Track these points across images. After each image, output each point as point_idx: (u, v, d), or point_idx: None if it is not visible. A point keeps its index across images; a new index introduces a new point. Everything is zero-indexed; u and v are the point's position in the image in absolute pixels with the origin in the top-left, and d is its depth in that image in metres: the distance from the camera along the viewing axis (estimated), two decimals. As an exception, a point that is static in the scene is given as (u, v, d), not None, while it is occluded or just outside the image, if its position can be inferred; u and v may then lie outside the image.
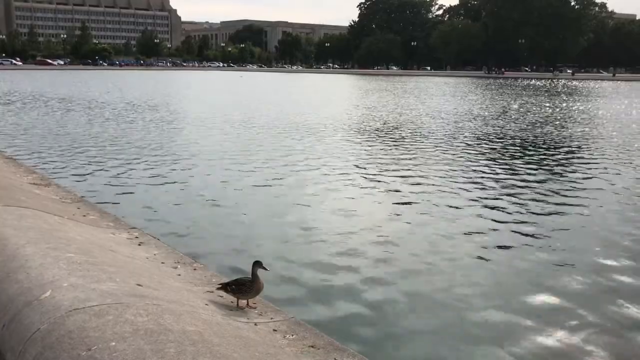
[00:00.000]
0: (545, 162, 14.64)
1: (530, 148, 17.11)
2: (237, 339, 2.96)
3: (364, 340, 4.95)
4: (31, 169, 9.44)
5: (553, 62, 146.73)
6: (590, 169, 13.74)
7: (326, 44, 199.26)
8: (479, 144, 17.79)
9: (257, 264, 3.69)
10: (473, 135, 19.86)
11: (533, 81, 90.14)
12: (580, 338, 5.10)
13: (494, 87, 66.65)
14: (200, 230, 8.12)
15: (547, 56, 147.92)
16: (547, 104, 37.29)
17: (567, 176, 12.75)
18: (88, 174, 12.04)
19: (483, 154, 15.82)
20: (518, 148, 17.07)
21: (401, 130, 21.06)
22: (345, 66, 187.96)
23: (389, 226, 8.55)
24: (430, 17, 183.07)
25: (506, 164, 14.16)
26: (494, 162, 14.38)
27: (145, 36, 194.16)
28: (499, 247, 7.65)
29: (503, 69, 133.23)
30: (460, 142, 17.96)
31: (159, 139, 17.97)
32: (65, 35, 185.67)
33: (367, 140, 18.37)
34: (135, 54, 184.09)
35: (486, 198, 10.42)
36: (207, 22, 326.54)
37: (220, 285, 3.78)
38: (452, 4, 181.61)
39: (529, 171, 13.22)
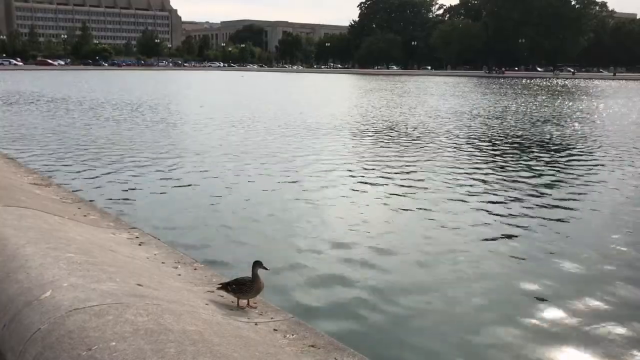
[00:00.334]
0: (549, 160, 14.64)
1: (534, 146, 17.09)
2: (237, 339, 2.96)
3: (364, 340, 4.94)
4: (32, 169, 9.44)
5: (553, 62, 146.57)
6: (592, 166, 13.74)
7: (326, 44, 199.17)
8: (480, 142, 17.78)
9: (257, 264, 3.69)
10: (473, 134, 19.85)
11: (534, 80, 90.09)
12: (583, 338, 5.10)
13: (495, 86, 66.61)
14: (200, 230, 8.12)
15: (547, 56, 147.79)
16: (555, 103, 37.28)
17: (570, 174, 12.74)
18: (89, 174, 12.04)
19: (484, 152, 15.82)
20: (521, 146, 17.06)
21: (401, 130, 21.05)
22: (346, 66, 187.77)
23: (391, 225, 8.55)
24: (431, 16, 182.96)
25: (510, 163, 14.15)
26: (496, 161, 14.38)
27: (146, 36, 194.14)
28: (501, 245, 7.65)
29: (503, 69, 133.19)
30: (461, 141, 17.95)
31: (159, 139, 17.98)
32: (65, 36, 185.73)
33: (367, 140, 18.36)
34: (136, 54, 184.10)
35: (487, 195, 10.42)
36: (207, 22, 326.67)
37: (220, 285, 3.77)
38: (453, 4, 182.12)
39: (534, 169, 13.22)
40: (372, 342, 4.95)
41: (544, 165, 13.97)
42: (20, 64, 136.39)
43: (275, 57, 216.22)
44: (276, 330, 3.35)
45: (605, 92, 56.18)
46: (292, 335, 3.29)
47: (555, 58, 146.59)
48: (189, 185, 11.21)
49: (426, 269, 6.78)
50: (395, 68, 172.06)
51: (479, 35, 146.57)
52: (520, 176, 12.53)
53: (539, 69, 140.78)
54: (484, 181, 11.92)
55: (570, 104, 37.91)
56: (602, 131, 21.65)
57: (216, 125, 22.22)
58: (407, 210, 9.48)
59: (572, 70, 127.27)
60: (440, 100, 40.29)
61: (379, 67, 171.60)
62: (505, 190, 11.03)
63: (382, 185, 11.43)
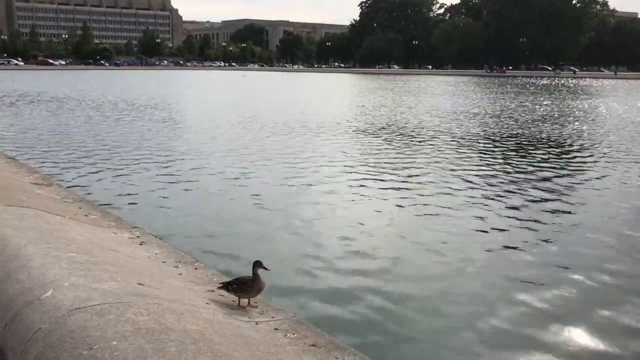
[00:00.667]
0: (554, 158, 14.63)
1: (535, 145, 17.08)
2: (238, 338, 2.96)
3: (365, 339, 4.94)
4: (33, 169, 9.44)
5: (554, 61, 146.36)
6: (594, 164, 13.74)
7: (327, 43, 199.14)
8: (482, 141, 17.78)
9: (258, 264, 3.68)
10: (473, 133, 19.84)
11: (535, 80, 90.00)
12: (586, 339, 5.10)
13: (495, 85, 66.57)
14: (201, 230, 8.12)
15: (548, 55, 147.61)
16: (566, 103, 37.27)
17: (572, 172, 12.74)
18: (89, 174, 12.05)
19: (487, 150, 15.81)
20: (523, 145, 17.05)
21: (402, 129, 21.04)
22: (347, 65, 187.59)
23: (392, 224, 8.54)
24: (432, 16, 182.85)
25: (514, 161, 14.15)
26: (497, 159, 14.38)
27: (147, 36, 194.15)
28: (503, 246, 7.64)
29: (504, 68, 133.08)
30: (462, 140, 17.94)
31: (160, 138, 17.99)
32: (66, 35, 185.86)
33: (368, 139, 18.35)
34: (137, 53, 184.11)
35: (487, 194, 10.42)
36: (208, 22, 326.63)
37: (221, 285, 3.78)
38: (453, 3, 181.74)
39: (536, 168, 13.21)
40: (373, 342, 4.95)
41: (548, 163, 13.96)
42: (21, 63, 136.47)
43: (276, 57, 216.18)
44: (277, 329, 3.35)
45: (607, 91, 56.12)
46: (293, 334, 3.29)
47: (556, 57, 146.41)
48: (190, 184, 11.21)
49: (428, 268, 6.77)
50: (396, 67, 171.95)
51: (480, 34, 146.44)
52: (523, 174, 12.52)
53: (548, 68, 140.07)
54: (487, 179, 11.91)
55: (573, 103, 37.88)
56: (603, 129, 21.64)
57: (217, 125, 22.23)
58: (409, 209, 9.47)
59: (574, 70, 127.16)
60: (441, 99, 40.27)
61: (380, 66, 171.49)
62: (509, 189, 11.03)
63: (383, 184, 11.42)
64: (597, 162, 14.51)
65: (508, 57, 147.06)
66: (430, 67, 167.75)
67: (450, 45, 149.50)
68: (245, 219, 8.72)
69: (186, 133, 19.73)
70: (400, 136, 19.22)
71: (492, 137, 19.14)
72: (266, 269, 3.69)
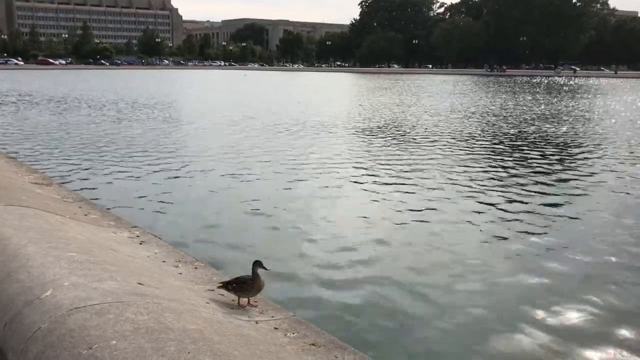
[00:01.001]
0: (554, 157, 14.64)
1: (535, 144, 17.08)
2: (238, 337, 2.96)
3: (365, 339, 4.95)
4: (32, 169, 9.44)
5: (554, 60, 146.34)
6: (595, 163, 13.74)
7: (327, 43, 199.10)
8: (480, 140, 17.78)
9: (257, 264, 3.68)
10: (473, 132, 19.84)
11: (535, 79, 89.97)
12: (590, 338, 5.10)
13: (496, 85, 66.55)
14: (201, 229, 8.13)
15: (548, 54, 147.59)
16: (554, 101, 37.26)
17: (572, 170, 12.75)
18: (89, 173, 12.06)
19: (486, 149, 15.81)
20: (522, 144, 17.05)
21: (401, 129, 21.04)
22: (347, 64, 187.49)
23: (392, 224, 8.55)
24: (432, 15, 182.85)
25: (513, 159, 14.15)
26: (496, 157, 14.38)
27: (147, 35, 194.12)
28: (506, 244, 7.65)
29: (504, 67, 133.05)
30: (462, 139, 17.95)
31: (160, 138, 17.99)
32: (66, 35, 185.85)
33: (368, 139, 18.36)
34: (137, 53, 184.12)
35: (486, 192, 10.42)
36: (208, 21, 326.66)
37: (221, 284, 3.77)
38: (454, 2, 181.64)
39: (537, 167, 13.22)
40: (373, 341, 4.95)
41: (549, 163, 13.96)
42: (21, 63, 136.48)
43: (276, 56, 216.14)
44: (277, 328, 3.35)
45: (606, 90, 56.12)
46: (293, 333, 3.29)
47: (557, 56, 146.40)
48: (190, 184, 11.22)
49: (429, 268, 6.77)
50: (396, 67, 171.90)
51: (480, 33, 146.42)
52: (523, 172, 12.52)
53: (551, 67, 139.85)
54: (486, 177, 11.92)
55: (572, 102, 37.89)
56: (602, 128, 21.64)
57: (218, 124, 22.24)
58: (409, 208, 9.47)
59: (574, 69, 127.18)
60: (440, 98, 40.27)
61: (380, 65, 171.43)
62: (508, 187, 11.03)
63: (384, 183, 11.43)
64: (589, 158, 14.51)
65: (508, 57, 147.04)
66: (430, 66, 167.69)
67: (450, 45, 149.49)
68: (246, 219, 8.72)
69: (186, 132, 19.73)
70: (400, 135, 19.21)
71: (490, 136, 19.14)
72: (266, 269, 3.69)
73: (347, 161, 13.96)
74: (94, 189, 10.50)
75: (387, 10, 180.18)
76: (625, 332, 5.16)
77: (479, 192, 10.74)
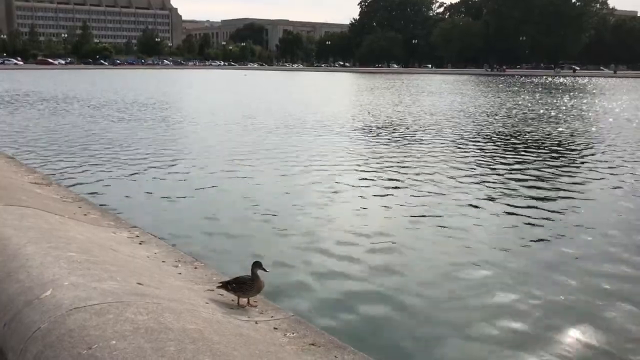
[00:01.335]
0: (556, 157, 14.65)
1: (535, 144, 17.09)
2: (237, 337, 2.96)
3: (365, 338, 4.95)
4: (32, 168, 9.45)
5: (554, 60, 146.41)
6: (595, 162, 13.75)
7: (327, 42, 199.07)
8: (477, 139, 17.78)
9: (257, 265, 3.68)
10: (471, 131, 19.85)
11: (534, 79, 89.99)
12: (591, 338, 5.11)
13: (494, 84, 66.56)
14: (201, 229, 8.12)
15: (548, 54, 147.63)
16: (552, 101, 37.28)
17: (571, 169, 12.76)
18: (89, 173, 12.05)
19: (483, 149, 15.82)
20: (521, 144, 17.05)
21: (401, 128, 21.05)
22: (347, 64, 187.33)
23: (391, 224, 8.54)
24: (431, 14, 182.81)
25: (510, 159, 14.16)
26: (494, 157, 14.39)
27: (146, 35, 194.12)
28: (504, 243, 7.65)
29: (504, 67, 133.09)
30: (461, 139, 17.96)
31: (160, 138, 17.99)
32: (66, 35, 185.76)
33: (368, 139, 18.36)
34: (136, 53, 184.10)
35: (484, 189, 10.43)
36: (207, 21, 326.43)
37: (220, 284, 3.78)
38: (453, 2, 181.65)
39: (536, 166, 13.23)
40: (373, 340, 4.95)
41: (551, 163, 13.97)
42: (21, 63, 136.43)
43: (276, 56, 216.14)
44: (276, 328, 3.35)
45: (604, 90, 56.15)
46: (293, 333, 3.29)
47: (556, 56, 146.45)
48: (190, 184, 11.21)
49: (428, 267, 6.78)
50: (396, 66, 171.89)
51: (480, 33, 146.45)
52: (522, 172, 12.53)
53: (551, 66, 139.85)
54: (483, 175, 11.92)
55: (571, 102, 37.91)
56: (601, 128, 21.66)
57: (217, 124, 22.24)
58: (410, 208, 9.47)
59: (574, 68, 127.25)
60: (439, 98, 40.29)
61: (379, 65, 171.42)
62: (506, 185, 11.04)
63: (383, 183, 11.43)
64: (586, 156, 14.53)
65: (508, 56, 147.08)
66: (430, 66, 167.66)
67: (450, 44, 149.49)
68: (245, 218, 8.72)
69: (186, 132, 19.73)
70: (399, 135, 19.20)
71: (488, 135, 19.14)
72: (265, 271, 3.68)
73: (347, 161, 13.97)
74: (93, 188, 10.49)
75: (387, 10, 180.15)
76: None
77: (477, 191, 10.75)
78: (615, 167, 13.49)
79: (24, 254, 3.70)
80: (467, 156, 14.92)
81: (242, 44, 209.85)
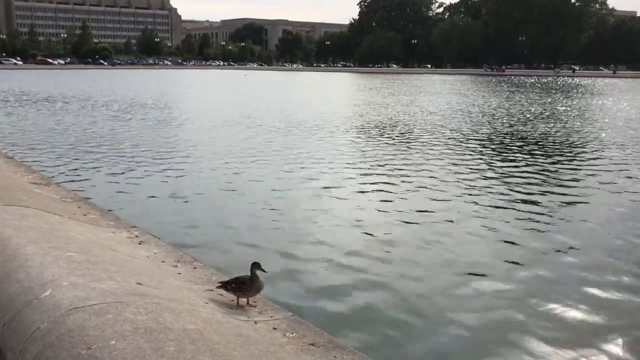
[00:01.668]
0: (555, 158, 14.66)
1: (533, 144, 17.10)
2: (237, 337, 2.96)
3: (364, 338, 4.95)
4: (31, 169, 9.44)
5: (554, 60, 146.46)
6: (594, 162, 13.76)
7: (326, 42, 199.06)
8: (475, 139, 17.79)
9: (256, 265, 3.67)
10: (470, 131, 19.86)
11: (533, 79, 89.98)
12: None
13: (493, 84, 66.55)
14: (200, 229, 8.13)
15: (547, 54, 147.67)
16: (548, 101, 37.29)
17: (570, 168, 12.76)
18: (88, 173, 12.05)
19: (480, 148, 15.83)
20: (519, 143, 17.06)
21: (400, 128, 21.06)
22: (351, 65, 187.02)
23: (390, 224, 8.55)
24: (431, 15, 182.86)
25: (508, 158, 14.17)
26: (492, 156, 14.39)
27: (146, 35, 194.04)
28: (500, 238, 7.65)
29: (503, 67, 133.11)
30: (457, 137, 17.96)
31: (159, 137, 17.99)
32: (65, 35, 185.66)
33: (367, 139, 18.36)
34: (136, 53, 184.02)
35: (481, 188, 10.44)
36: (207, 21, 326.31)
37: (220, 284, 3.77)
38: (453, 2, 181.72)
39: (534, 166, 13.23)
40: (372, 340, 4.95)
41: (548, 163, 13.97)
42: (20, 63, 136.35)
43: (275, 56, 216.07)
44: (276, 328, 3.35)
45: (603, 90, 56.17)
46: (292, 333, 3.29)
47: (556, 56, 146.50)
48: (189, 183, 11.22)
49: (429, 266, 6.78)
50: (395, 66, 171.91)
51: (479, 33, 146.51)
52: (520, 172, 12.53)
53: (551, 66, 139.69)
54: (481, 173, 11.93)
55: (569, 101, 37.93)
56: (598, 128, 21.67)
57: (217, 124, 22.24)
58: (410, 208, 9.47)
59: (573, 68, 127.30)
60: (437, 97, 40.30)
61: (379, 65, 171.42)
62: (506, 184, 11.05)
63: (382, 182, 11.43)
64: (578, 154, 14.54)
65: (507, 56, 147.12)
66: (429, 66, 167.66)
67: (449, 44, 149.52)
68: (245, 218, 8.72)
69: (185, 132, 19.72)
70: (398, 134, 19.22)
71: (486, 135, 19.15)
72: (264, 271, 3.68)
73: (347, 161, 13.97)
74: (92, 188, 10.49)
75: (386, 10, 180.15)
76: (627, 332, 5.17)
77: (477, 190, 10.75)
78: (615, 167, 13.51)
79: (23, 254, 3.70)
80: (467, 156, 14.91)
81: (242, 44, 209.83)
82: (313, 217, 8.82)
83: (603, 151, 16.06)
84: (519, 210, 9.37)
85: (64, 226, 4.96)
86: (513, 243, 7.68)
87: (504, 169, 13.21)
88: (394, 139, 18.17)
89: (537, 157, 15.00)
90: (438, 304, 5.74)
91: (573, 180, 11.97)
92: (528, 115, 27.15)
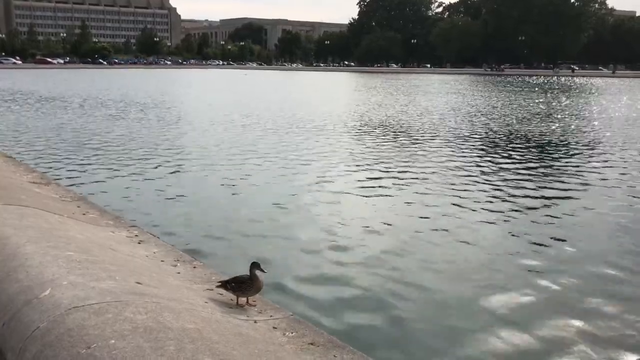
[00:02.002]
0: (553, 157, 14.67)
1: (531, 143, 17.11)
2: (236, 337, 2.96)
3: (364, 337, 4.95)
4: (31, 168, 9.43)
5: (553, 60, 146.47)
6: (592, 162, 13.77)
7: (326, 42, 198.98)
8: (472, 139, 17.81)
9: (255, 265, 3.67)
10: (468, 131, 19.87)
11: (532, 78, 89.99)
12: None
13: (492, 84, 66.56)
14: (200, 229, 8.13)
15: (547, 53, 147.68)
16: (546, 100, 37.32)
17: (568, 168, 12.77)
18: (88, 173, 12.05)
19: (479, 148, 15.83)
20: (518, 143, 17.07)
21: (400, 128, 21.06)
22: (352, 64, 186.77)
23: (392, 224, 8.55)
24: (430, 14, 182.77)
25: (508, 158, 14.17)
26: (492, 156, 14.40)
27: (145, 35, 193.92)
28: (506, 240, 7.66)
29: (502, 67, 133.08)
30: (458, 138, 17.97)
31: (158, 137, 17.98)
32: (64, 34, 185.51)
33: (367, 139, 18.36)
34: (135, 52, 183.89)
35: (479, 187, 10.44)
36: (206, 20, 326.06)
37: (219, 283, 3.77)
38: (452, 1, 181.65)
39: (532, 165, 13.24)
40: (372, 340, 4.95)
41: (545, 162, 13.98)
42: (19, 62, 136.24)
43: (275, 55, 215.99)
44: (275, 328, 3.35)
45: (602, 90, 56.21)
46: (292, 333, 3.29)
47: (555, 56, 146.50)
48: (189, 183, 11.22)
49: (429, 265, 6.78)
50: (395, 66, 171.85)
51: (479, 33, 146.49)
52: (518, 171, 12.54)
53: (555, 67, 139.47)
54: (479, 173, 11.94)
55: (568, 101, 37.96)
56: (596, 127, 21.69)
57: (217, 124, 22.22)
58: (410, 208, 9.48)
59: (572, 68, 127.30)
60: (436, 97, 40.32)
61: (378, 65, 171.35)
62: (505, 184, 11.05)
63: (382, 182, 11.44)
64: (574, 155, 14.56)
65: (507, 56, 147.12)
66: (429, 65, 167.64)
67: (449, 44, 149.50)
68: (245, 218, 8.72)
69: (185, 132, 19.72)
70: (398, 134, 19.22)
71: (484, 134, 19.16)
72: (263, 271, 3.68)
73: (347, 161, 13.97)
74: (92, 188, 10.49)
75: (386, 10, 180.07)
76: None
77: (476, 189, 10.76)
78: (614, 167, 13.52)
79: (23, 253, 3.69)
80: (466, 155, 14.92)
81: (241, 43, 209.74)
82: (313, 216, 8.82)
83: (604, 151, 16.07)
84: (519, 208, 9.37)
85: (63, 225, 4.95)
86: (514, 235, 7.69)
87: (502, 166, 13.21)
88: (394, 139, 18.17)
89: (536, 155, 15.01)
90: (442, 304, 5.74)
91: (572, 175, 11.98)
92: (527, 115, 27.17)
